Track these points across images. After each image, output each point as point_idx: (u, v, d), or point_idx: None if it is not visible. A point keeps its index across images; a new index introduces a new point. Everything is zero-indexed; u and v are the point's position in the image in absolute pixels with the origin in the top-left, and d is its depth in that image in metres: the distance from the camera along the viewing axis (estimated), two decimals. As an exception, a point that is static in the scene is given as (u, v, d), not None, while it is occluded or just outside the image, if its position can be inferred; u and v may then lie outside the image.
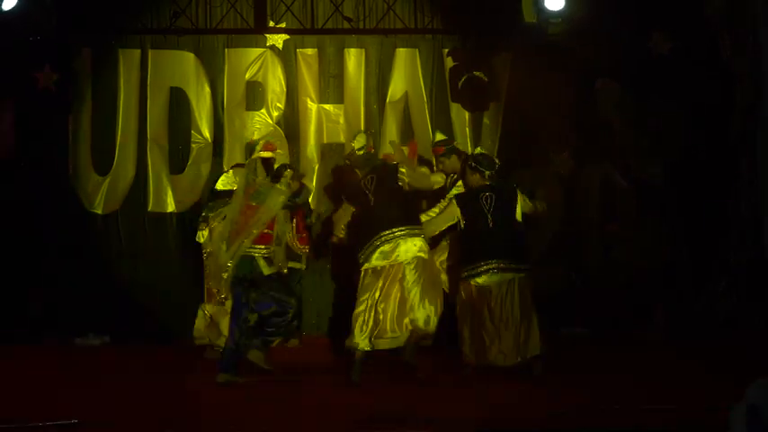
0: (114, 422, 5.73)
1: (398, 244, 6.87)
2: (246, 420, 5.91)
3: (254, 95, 9.51)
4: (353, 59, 9.56)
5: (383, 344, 6.97)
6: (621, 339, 8.97)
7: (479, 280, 7.00)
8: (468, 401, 6.31)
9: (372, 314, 6.90)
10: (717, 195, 9.56)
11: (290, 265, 8.13)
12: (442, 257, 7.58)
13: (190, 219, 9.03)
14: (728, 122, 9.37)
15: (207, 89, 9.45)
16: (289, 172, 7.40)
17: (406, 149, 7.50)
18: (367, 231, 6.99)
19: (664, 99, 9.46)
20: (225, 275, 7.01)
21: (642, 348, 8.52)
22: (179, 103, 9.45)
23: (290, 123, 9.49)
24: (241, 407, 6.40)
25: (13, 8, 8.33)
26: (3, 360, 8.06)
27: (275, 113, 9.47)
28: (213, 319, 8.02)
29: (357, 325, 6.89)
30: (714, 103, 9.38)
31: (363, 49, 9.57)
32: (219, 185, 8.20)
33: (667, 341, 8.88)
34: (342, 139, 9.40)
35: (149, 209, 9.39)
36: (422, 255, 6.93)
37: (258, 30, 9.52)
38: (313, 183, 9.32)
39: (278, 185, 6.99)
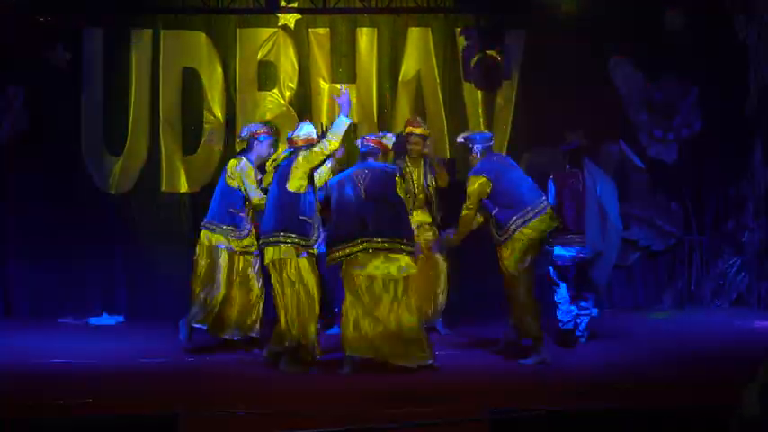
0: (129, 400, 5.78)
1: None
2: (267, 398, 5.95)
3: (266, 75, 9.49)
4: (365, 39, 9.51)
5: None
6: (634, 318, 9.00)
7: None
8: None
9: None
10: (731, 175, 9.53)
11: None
12: None
13: (202, 199, 9.02)
14: (743, 101, 9.32)
15: (219, 69, 9.43)
16: None
17: None
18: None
19: (678, 77, 9.40)
20: None
21: (654, 327, 8.56)
22: (191, 84, 9.43)
23: (303, 103, 9.47)
24: (260, 385, 6.43)
25: None
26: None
27: (287, 93, 9.45)
28: None
29: None
30: (729, 81, 9.33)
31: (375, 29, 9.51)
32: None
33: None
34: (355, 119, 9.35)
35: (162, 189, 9.41)
36: None
37: (270, 9, 9.47)
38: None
39: None
